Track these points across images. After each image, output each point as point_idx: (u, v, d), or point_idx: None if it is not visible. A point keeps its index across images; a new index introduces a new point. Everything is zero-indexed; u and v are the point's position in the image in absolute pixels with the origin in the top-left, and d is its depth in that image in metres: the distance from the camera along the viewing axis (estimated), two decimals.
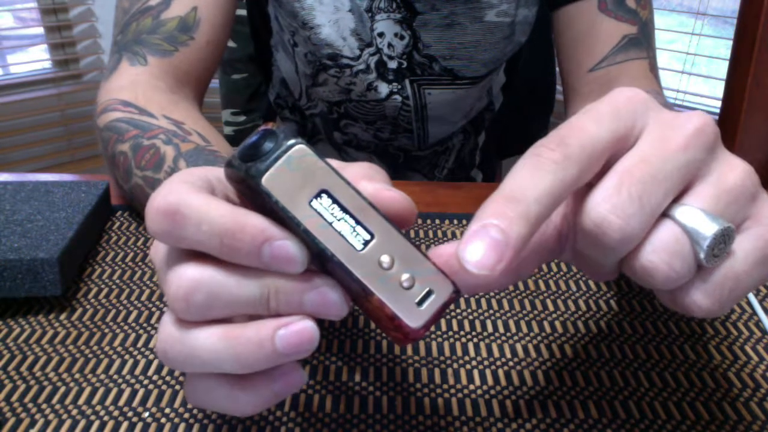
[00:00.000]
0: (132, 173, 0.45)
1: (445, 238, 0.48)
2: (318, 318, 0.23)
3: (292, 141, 0.22)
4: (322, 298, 0.23)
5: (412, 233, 0.48)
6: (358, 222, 0.22)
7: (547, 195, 0.22)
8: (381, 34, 0.63)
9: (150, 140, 0.45)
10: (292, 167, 0.22)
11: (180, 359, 0.23)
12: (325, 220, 0.22)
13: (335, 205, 0.22)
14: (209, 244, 0.22)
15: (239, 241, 0.22)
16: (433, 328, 0.38)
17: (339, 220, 0.22)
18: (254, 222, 0.22)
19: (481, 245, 0.21)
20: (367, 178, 0.25)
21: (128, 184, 0.46)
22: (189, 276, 0.22)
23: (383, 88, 0.67)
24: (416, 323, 0.22)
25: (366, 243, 0.22)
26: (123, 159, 0.46)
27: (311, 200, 0.22)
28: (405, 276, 0.22)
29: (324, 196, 0.22)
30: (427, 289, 0.23)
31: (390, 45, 0.64)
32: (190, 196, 0.22)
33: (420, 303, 0.23)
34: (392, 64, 0.65)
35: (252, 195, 0.23)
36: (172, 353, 0.23)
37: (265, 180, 0.22)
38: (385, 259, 0.22)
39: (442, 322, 0.38)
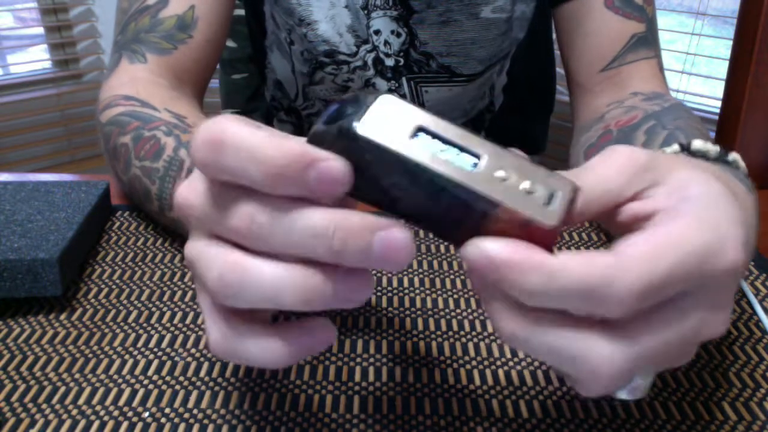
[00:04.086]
0: (131, 164, 0.45)
1: None
2: (375, 271, 0.22)
3: (374, 93, 0.22)
4: (391, 239, 0.21)
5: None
6: (461, 149, 0.22)
7: None
8: (377, 32, 0.63)
9: (151, 131, 0.45)
10: (384, 113, 0.22)
11: (237, 286, 0.22)
12: (431, 153, 0.22)
13: (435, 139, 0.22)
14: (251, 172, 0.21)
15: (281, 166, 0.21)
16: (432, 328, 0.38)
17: (443, 150, 0.22)
18: (295, 147, 0.21)
19: None
20: None
21: (126, 176, 0.46)
22: (250, 198, 0.22)
23: (382, 85, 0.67)
24: (551, 221, 0.22)
25: (476, 164, 0.22)
26: (124, 150, 0.46)
27: (411, 138, 0.22)
28: (524, 183, 0.22)
29: (421, 133, 0.22)
30: (550, 190, 0.22)
31: (386, 42, 0.64)
32: (234, 125, 0.22)
33: (547, 203, 0.22)
34: (389, 62, 0.65)
35: (347, 153, 0.22)
36: (231, 279, 0.22)
37: (362, 128, 0.21)
38: (500, 173, 0.22)
39: (442, 322, 0.38)
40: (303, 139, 0.23)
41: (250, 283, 0.22)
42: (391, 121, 0.22)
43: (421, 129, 0.22)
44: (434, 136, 0.22)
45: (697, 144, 0.35)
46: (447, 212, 0.22)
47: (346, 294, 0.22)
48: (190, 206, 0.24)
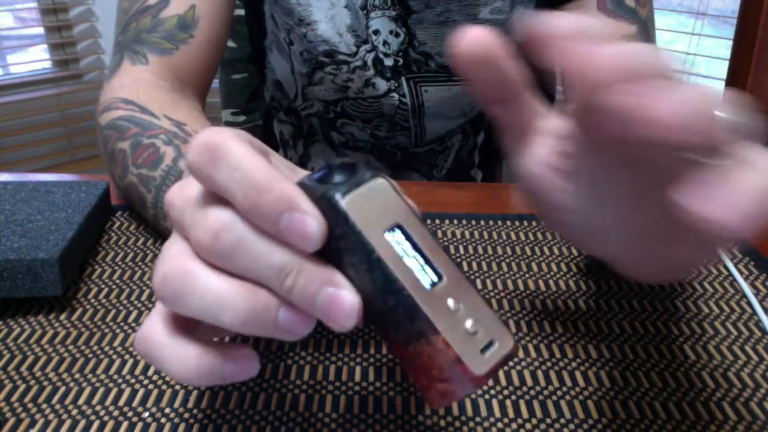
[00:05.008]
0: (128, 170, 0.45)
1: (444, 239, 0.48)
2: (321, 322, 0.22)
3: (373, 173, 0.22)
4: (337, 298, 0.22)
5: None
6: (427, 262, 0.22)
7: None
8: (376, 32, 0.64)
9: (150, 139, 0.45)
10: (372, 196, 0.22)
11: (178, 290, 0.22)
12: (398, 254, 0.22)
13: (407, 242, 0.22)
14: (234, 192, 0.22)
15: (263, 200, 0.21)
16: None
17: (410, 256, 0.22)
18: (284, 187, 0.21)
19: None
20: None
21: (123, 182, 0.46)
22: (225, 215, 0.22)
23: (381, 84, 0.67)
24: (479, 370, 0.21)
25: (434, 284, 0.22)
26: (121, 156, 0.46)
27: (385, 232, 0.22)
28: (470, 322, 0.22)
29: (398, 231, 0.22)
30: (490, 338, 0.22)
31: (385, 42, 0.64)
32: (236, 143, 0.22)
33: (483, 351, 0.22)
34: (388, 62, 0.65)
35: (324, 217, 0.22)
36: (174, 282, 0.22)
37: (345, 202, 0.21)
38: (452, 302, 0.22)
39: None
40: (300, 175, 0.23)
41: (193, 291, 0.22)
42: (375, 207, 0.22)
43: (398, 226, 0.22)
44: (408, 238, 0.22)
45: None
46: (388, 314, 0.22)
47: (286, 325, 0.22)
48: (173, 206, 0.24)
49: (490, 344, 0.22)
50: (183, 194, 0.24)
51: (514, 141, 0.28)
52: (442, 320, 0.21)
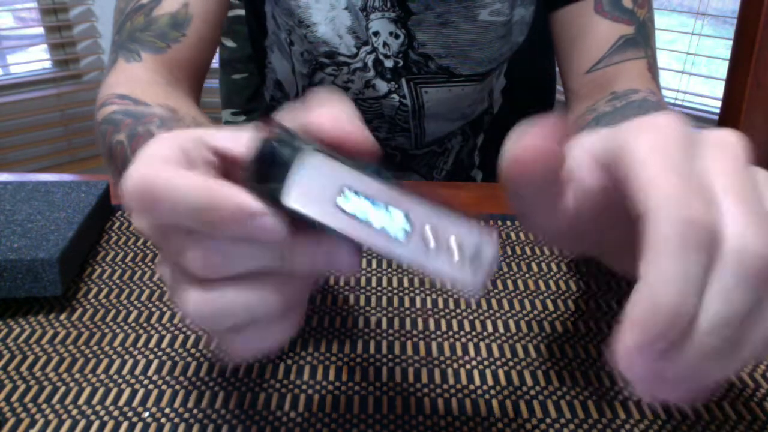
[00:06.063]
0: (128, 161, 0.45)
1: None
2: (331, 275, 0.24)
3: (304, 147, 0.22)
4: (334, 256, 0.23)
5: None
6: (388, 207, 0.22)
7: None
8: (376, 33, 0.64)
9: (145, 126, 0.45)
10: (311, 179, 0.22)
11: (211, 317, 0.23)
12: (358, 218, 0.22)
13: (361, 197, 0.22)
14: (190, 221, 0.22)
15: (220, 217, 0.21)
16: (432, 328, 0.38)
17: (373, 211, 0.22)
18: (231, 196, 0.21)
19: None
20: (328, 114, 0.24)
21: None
22: (198, 248, 0.22)
23: (382, 86, 0.67)
24: (477, 281, 0.23)
25: (405, 230, 0.22)
26: (120, 148, 0.46)
27: (336, 200, 0.22)
28: (451, 243, 0.23)
29: (347, 191, 0.22)
30: (476, 248, 0.23)
31: (385, 44, 0.64)
32: (163, 172, 0.22)
33: (473, 260, 0.23)
34: (388, 63, 0.65)
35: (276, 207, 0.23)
36: (205, 312, 0.23)
37: (289, 200, 0.22)
38: (429, 235, 0.22)
39: (442, 321, 0.38)
40: (243, 138, 0.24)
41: (223, 314, 0.23)
42: (318, 186, 0.22)
43: (346, 187, 0.22)
44: (359, 194, 0.22)
45: None
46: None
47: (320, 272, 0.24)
48: (143, 233, 0.24)
49: (477, 253, 0.23)
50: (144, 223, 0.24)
51: (535, 222, 0.28)
52: (428, 260, 0.22)
